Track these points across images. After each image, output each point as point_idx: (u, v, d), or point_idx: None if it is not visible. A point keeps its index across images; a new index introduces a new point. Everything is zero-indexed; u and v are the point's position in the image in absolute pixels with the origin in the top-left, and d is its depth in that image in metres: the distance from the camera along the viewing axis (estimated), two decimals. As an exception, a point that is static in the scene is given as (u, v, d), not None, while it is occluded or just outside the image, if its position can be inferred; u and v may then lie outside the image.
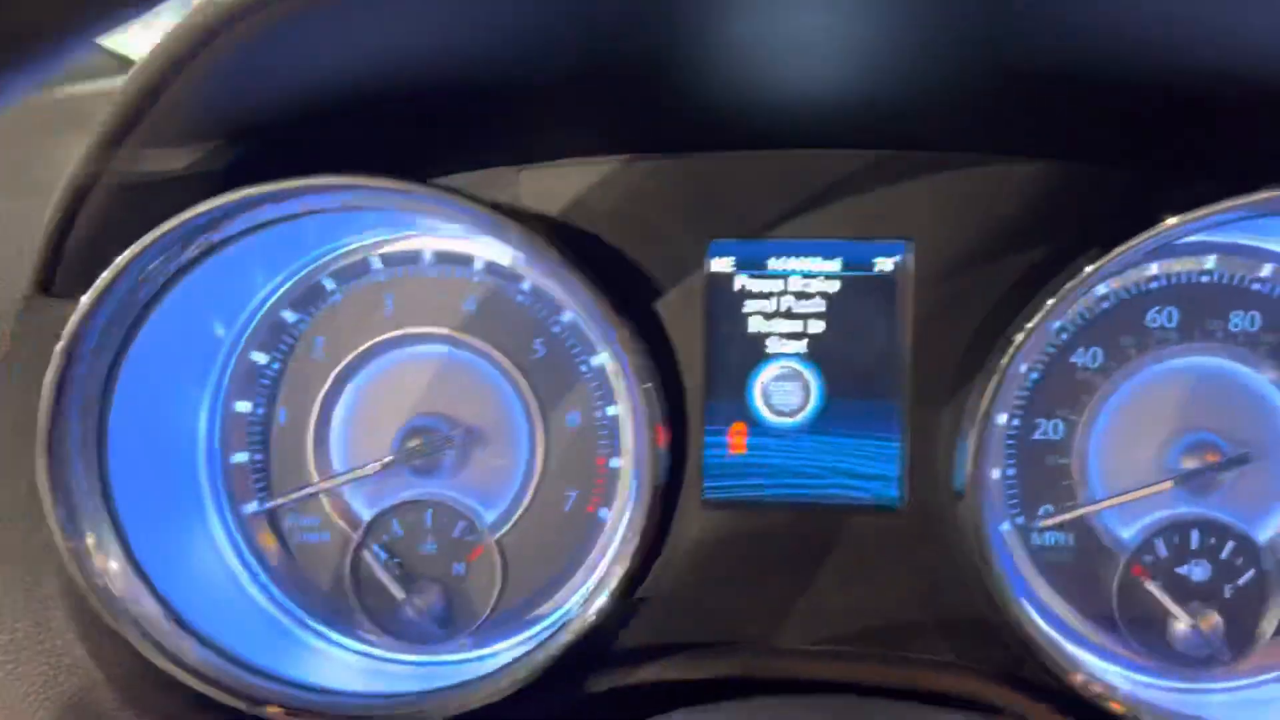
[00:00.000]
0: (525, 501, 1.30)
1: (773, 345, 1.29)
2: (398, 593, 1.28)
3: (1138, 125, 1.17)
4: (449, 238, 1.28)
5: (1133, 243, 1.05)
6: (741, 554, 1.27)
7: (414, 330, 1.30)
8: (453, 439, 1.29)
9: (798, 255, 1.28)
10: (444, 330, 1.30)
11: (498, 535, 1.30)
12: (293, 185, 1.06)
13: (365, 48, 1.03)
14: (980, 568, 1.15)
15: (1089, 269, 1.06)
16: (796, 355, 1.29)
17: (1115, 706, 1.11)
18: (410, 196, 1.13)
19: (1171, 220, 1.03)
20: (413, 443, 1.28)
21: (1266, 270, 1.24)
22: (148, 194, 1.05)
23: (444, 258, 1.30)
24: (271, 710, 1.16)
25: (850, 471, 1.29)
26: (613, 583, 1.18)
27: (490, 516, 1.31)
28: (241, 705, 1.16)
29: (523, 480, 1.30)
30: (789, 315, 1.29)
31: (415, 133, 1.20)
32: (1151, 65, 1.04)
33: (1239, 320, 1.25)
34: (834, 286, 1.28)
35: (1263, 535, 1.25)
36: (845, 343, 1.28)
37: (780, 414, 1.29)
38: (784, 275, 1.28)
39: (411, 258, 1.30)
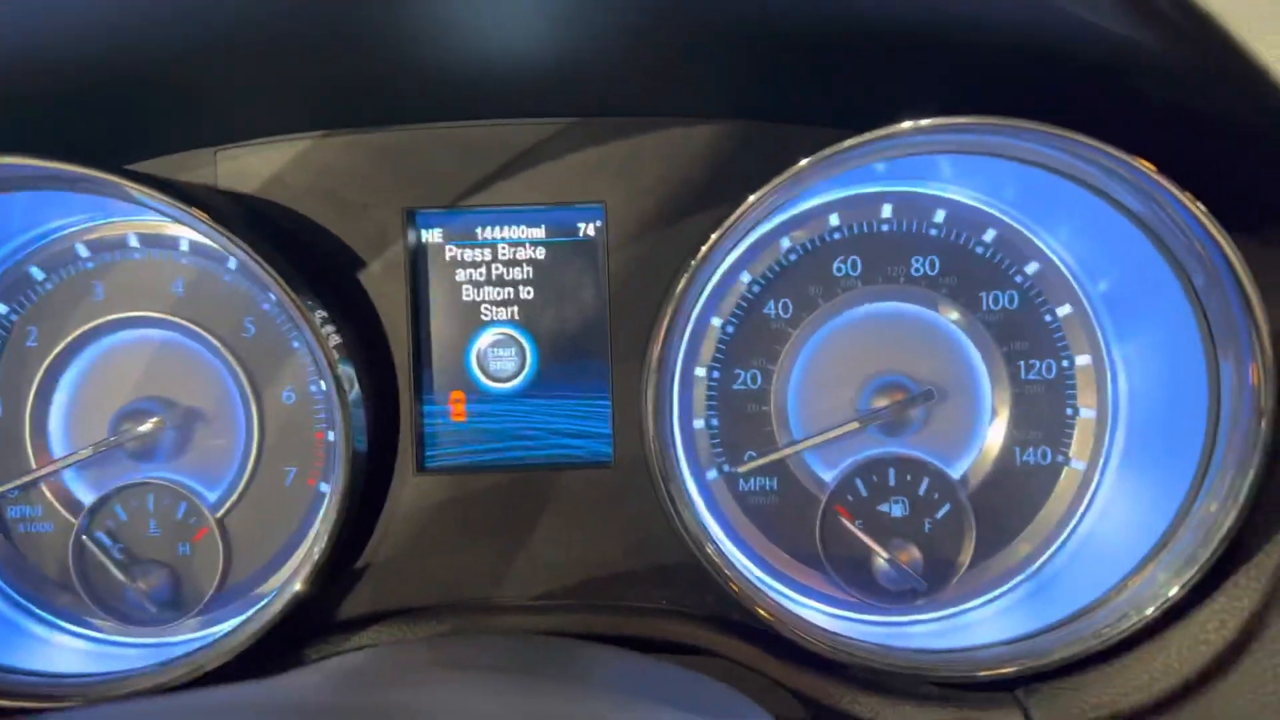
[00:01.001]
0: (245, 480, 1.32)
1: (487, 313, 1.33)
2: (121, 577, 1.29)
3: (806, 84, 1.22)
4: (152, 220, 1.30)
5: (774, 182, 1.09)
6: (462, 518, 1.30)
7: (126, 315, 1.31)
8: (166, 421, 1.30)
9: (504, 224, 1.32)
10: (155, 313, 1.31)
11: (220, 514, 1.32)
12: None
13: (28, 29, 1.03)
14: (676, 515, 1.18)
15: (733, 215, 1.11)
16: (510, 322, 1.32)
17: (818, 643, 1.15)
18: (95, 182, 1.13)
19: (803, 162, 1.08)
20: (128, 426, 1.29)
21: (940, 216, 1.30)
22: None
23: (149, 241, 1.31)
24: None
25: (566, 431, 1.32)
26: (320, 555, 1.20)
27: (212, 496, 1.32)
28: None
29: (242, 459, 1.32)
30: (500, 283, 1.32)
31: (110, 118, 1.21)
32: (812, 18, 1.09)
33: (919, 265, 1.31)
34: (541, 253, 1.32)
35: (957, 470, 1.32)
36: (555, 307, 1.32)
37: (497, 380, 1.33)
38: (493, 244, 1.32)
39: (118, 243, 1.31)
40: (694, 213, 1.28)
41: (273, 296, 1.30)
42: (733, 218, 1.12)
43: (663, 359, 1.16)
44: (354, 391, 1.19)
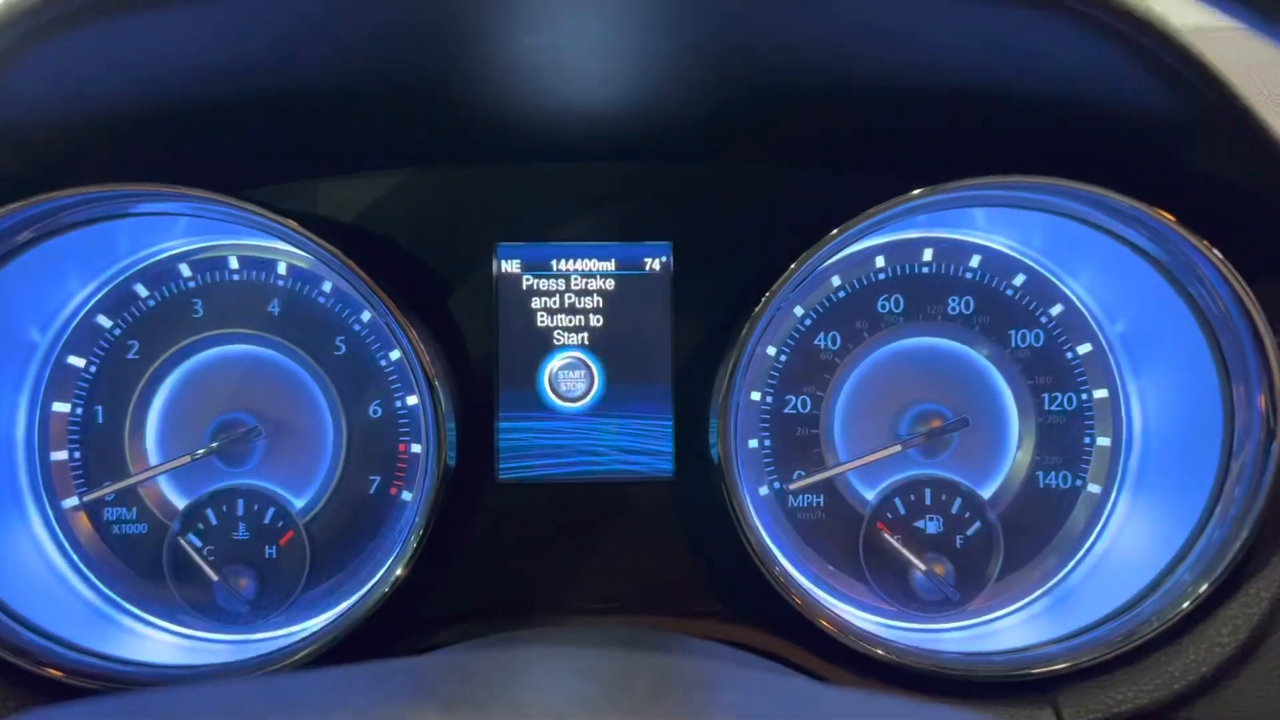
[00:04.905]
0: (332, 487, 1.41)
1: (558, 338, 1.44)
2: (213, 576, 1.37)
3: (859, 134, 1.36)
4: (252, 244, 1.40)
5: (837, 231, 1.22)
6: (535, 527, 1.41)
7: (223, 331, 1.41)
8: (260, 430, 1.39)
9: (577, 257, 1.44)
10: (251, 330, 1.41)
11: (306, 520, 1.41)
12: (94, 191, 1.16)
13: (142, 65, 1.13)
14: (741, 528, 1.29)
15: (796, 264, 1.24)
16: (579, 346, 1.44)
17: (870, 647, 1.26)
18: (221, 208, 1.23)
19: (873, 210, 1.21)
20: (223, 435, 1.39)
21: (975, 261, 1.44)
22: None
23: (249, 263, 1.41)
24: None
25: (630, 449, 1.44)
26: (408, 557, 1.29)
27: (299, 503, 1.42)
28: (60, 675, 1.22)
29: (329, 468, 1.42)
30: (572, 310, 1.44)
31: (219, 147, 1.31)
32: (860, 78, 1.22)
33: (955, 304, 1.44)
34: (610, 284, 1.44)
35: (985, 491, 1.45)
36: (622, 334, 1.44)
37: (567, 399, 1.44)
38: (566, 275, 1.44)
39: (218, 264, 1.41)
40: (754, 250, 1.40)
41: (364, 318, 1.41)
42: (795, 266, 1.24)
43: (731, 385, 1.28)
44: (446, 406, 1.30)
